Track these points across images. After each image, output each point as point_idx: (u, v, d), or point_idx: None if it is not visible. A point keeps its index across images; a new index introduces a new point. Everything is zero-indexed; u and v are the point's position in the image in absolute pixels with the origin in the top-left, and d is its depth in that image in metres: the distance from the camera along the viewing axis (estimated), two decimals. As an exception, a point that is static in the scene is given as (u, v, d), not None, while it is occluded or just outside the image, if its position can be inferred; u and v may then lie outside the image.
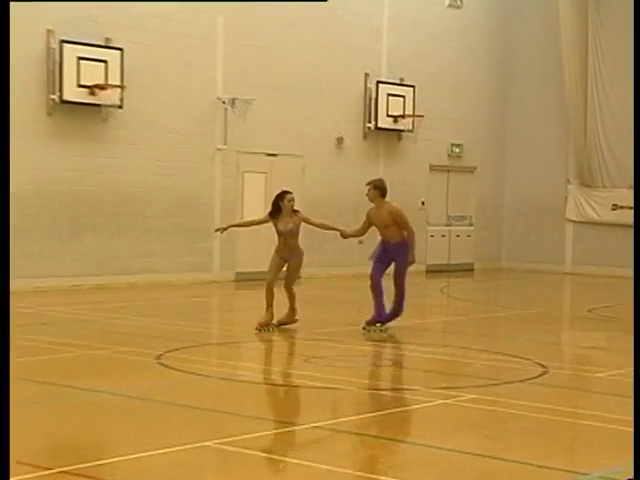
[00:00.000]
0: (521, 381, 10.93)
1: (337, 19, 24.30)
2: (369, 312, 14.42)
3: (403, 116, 25.39)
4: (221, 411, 9.20)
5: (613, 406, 9.68)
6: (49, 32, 19.65)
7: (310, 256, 23.95)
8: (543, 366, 11.76)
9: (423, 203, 26.61)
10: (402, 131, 25.68)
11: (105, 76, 20.01)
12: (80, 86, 19.81)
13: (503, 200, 28.65)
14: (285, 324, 14.31)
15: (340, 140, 24.73)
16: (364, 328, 14.15)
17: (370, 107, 25.06)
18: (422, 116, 25.56)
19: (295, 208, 14.86)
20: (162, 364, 11.49)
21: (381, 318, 14.17)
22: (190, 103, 21.92)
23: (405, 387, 10.50)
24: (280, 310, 14.36)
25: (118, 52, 20.24)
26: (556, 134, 27.54)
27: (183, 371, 11.10)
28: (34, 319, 15.72)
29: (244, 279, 22.55)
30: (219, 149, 22.46)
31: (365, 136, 25.25)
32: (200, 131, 22.16)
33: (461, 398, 9.83)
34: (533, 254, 27.88)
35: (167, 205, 21.72)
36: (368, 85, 24.99)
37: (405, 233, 14.38)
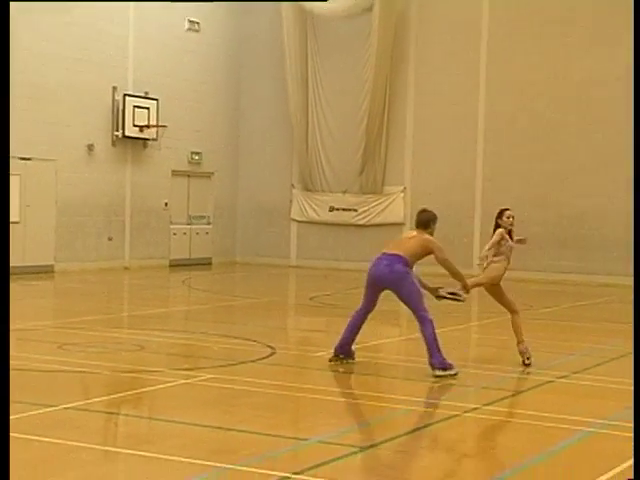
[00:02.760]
0: (253, 361, 11.09)
1: (87, 37, 23.83)
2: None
3: (148, 126, 25.20)
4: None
5: (331, 381, 10.01)
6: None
7: (61, 252, 23.53)
8: (271, 347, 11.99)
9: (166, 204, 26.53)
10: (147, 139, 25.50)
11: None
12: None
13: (237, 202, 28.92)
14: None
15: (91, 147, 24.28)
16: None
17: (118, 117, 24.73)
18: (165, 126, 25.48)
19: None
20: None
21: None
22: None
23: (150, 369, 10.46)
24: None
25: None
26: (282, 146, 28.05)
27: None
28: None
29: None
30: None
31: (114, 143, 24.88)
32: None
33: (201, 378, 9.90)
34: (263, 249, 28.27)
35: None
36: (116, 97, 24.65)
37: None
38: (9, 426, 4.97)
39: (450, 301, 10.71)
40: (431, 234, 10.39)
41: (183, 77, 26.63)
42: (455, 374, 10.09)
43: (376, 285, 10.35)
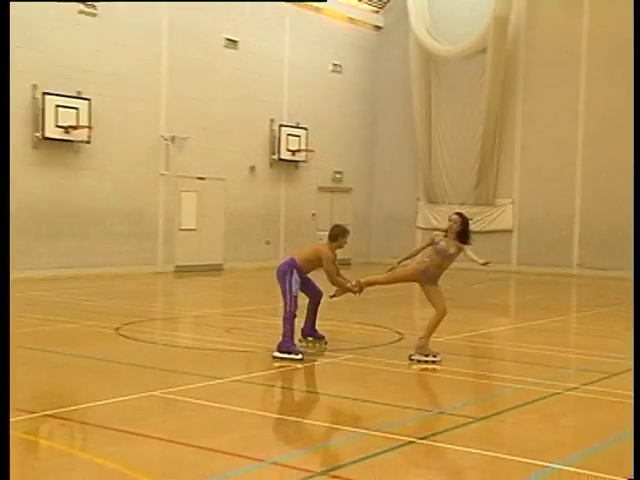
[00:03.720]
0: (385, 344, 11.05)
1: (251, 79, 24.27)
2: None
3: (299, 150, 25.47)
4: (165, 369, 9.13)
5: (451, 362, 9.87)
6: (33, 86, 19.24)
7: (229, 253, 24.02)
8: (400, 333, 11.92)
9: (314, 214, 26.75)
10: (298, 162, 25.76)
11: (77, 119, 19.67)
12: (58, 126, 19.44)
13: (371, 212, 28.92)
14: None
15: (253, 168, 24.70)
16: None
17: (274, 144, 25.08)
18: (313, 150, 25.70)
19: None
20: (120, 334, 11.36)
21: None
22: (141, 139, 21.67)
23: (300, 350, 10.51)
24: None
25: (87, 101, 19.91)
26: (409, 166, 27.92)
27: (136, 339, 10.97)
28: (23, 301, 15.36)
29: (182, 271, 22.40)
30: (162, 174, 22.24)
31: (271, 165, 25.24)
32: (148, 161, 21.92)
33: (341, 358, 9.91)
34: (393, 251, 27.97)
35: (123, 215, 21.43)
36: (273, 127, 25.01)
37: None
38: (9, 426, 4.82)
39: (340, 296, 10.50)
40: (340, 246, 10.35)
41: (328, 110, 26.82)
42: (301, 359, 9.53)
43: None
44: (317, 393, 8.06)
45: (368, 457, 5.91)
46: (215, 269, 23.40)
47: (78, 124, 19.67)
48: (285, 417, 7.15)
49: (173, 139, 22.05)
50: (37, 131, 19.32)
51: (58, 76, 19.68)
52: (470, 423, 7.00)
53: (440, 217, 27.31)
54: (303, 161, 25.84)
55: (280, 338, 9.82)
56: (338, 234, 10.37)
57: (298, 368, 9.44)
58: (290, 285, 9.99)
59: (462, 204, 26.73)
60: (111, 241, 21.13)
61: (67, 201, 20.09)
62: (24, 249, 19.23)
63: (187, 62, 22.61)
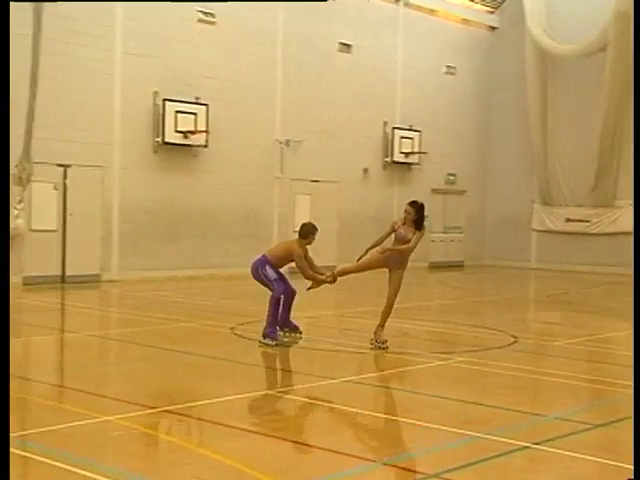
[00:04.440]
0: (498, 347, 10.87)
1: (365, 82, 24.32)
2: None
3: (412, 153, 25.35)
4: (279, 368, 9.24)
5: (567, 366, 9.63)
6: (155, 93, 19.84)
7: (341, 254, 24.12)
8: (514, 336, 11.70)
9: (426, 217, 26.48)
10: (411, 164, 25.65)
11: (195, 124, 20.17)
12: (177, 131, 19.98)
13: (485, 214, 28.49)
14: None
15: (366, 170, 24.75)
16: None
17: (387, 146, 25.05)
18: (426, 153, 25.54)
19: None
20: (235, 334, 11.56)
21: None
22: (256, 143, 22.03)
23: (412, 352, 10.48)
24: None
25: (204, 107, 20.39)
26: (524, 167, 27.37)
27: (251, 339, 11.15)
28: (143, 300, 15.84)
29: (296, 272, 22.60)
30: (277, 177, 22.54)
31: (384, 167, 25.22)
32: (263, 164, 22.26)
33: (453, 360, 9.81)
34: (507, 254, 27.69)
35: (240, 217, 21.83)
36: (386, 130, 24.99)
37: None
38: (9, 426, 4.78)
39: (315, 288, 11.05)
40: (309, 243, 10.76)
41: (441, 112, 26.59)
42: (275, 345, 10.25)
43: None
44: (429, 395, 7.99)
45: (481, 461, 5.82)
46: (328, 271, 23.47)
47: (196, 129, 20.16)
48: (397, 418, 7.13)
49: (288, 142, 22.32)
50: (157, 136, 19.91)
51: (178, 83, 20.23)
52: (588, 430, 6.80)
53: (556, 219, 26.70)
54: (416, 163, 25.70)
55: (265, 325, 10.54)
56: (308, 232, 10.78)
57: (410, 370, 9.39)
58: (266, 273, 10.62)
59: (579, 206, 26.08)
60: (227, 242, 21.56)
61: (185, 203, 20.61)
62: (144, 250, 19.86)
63: (301, 66, 22.85)
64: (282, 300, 10.95)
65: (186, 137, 20.14)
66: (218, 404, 7.37)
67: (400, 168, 25.59)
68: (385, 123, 24.97)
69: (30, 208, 17.94)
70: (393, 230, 10.50)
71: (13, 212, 17.44)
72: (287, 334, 11.05)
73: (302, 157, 22.62)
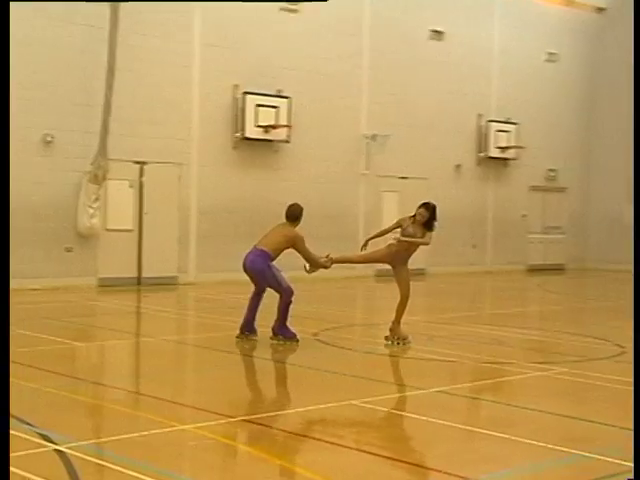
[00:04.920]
0: (603, 358, 10.63)
1: (458, 71, 24.12)
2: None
3: (509, 147, 25.05)
4: (364, 377, 9.23)
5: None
6: (235, 86, 20.07)
7: (433, 257, 23.98)
8: (621, 346, 11.42)
9: (524, 216, 26.19)
10: (508, 159, 25.34)
11: (276, 118, 20.33)
12: (257, 126, 20.18)
13: (589, 213, 27.92)
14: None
15: (458, 166, 24.55)
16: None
17: (482, 140, 24.80)
18: (524, 147, 25.20)
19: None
20: (318, 340, 11.60)
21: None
22: (341, 138, 22.09)
23: (507, 361, 10.33)
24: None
25: (287, 100, 20.54)
26: (629, 161, 26.67)
27: (334, 345, 11.16)
28: (222, 304, 16.04)
29: (383, 275, 22.57)
30: (363, 174, 22.55)
31: (478, 163, 24.97)
32: (348, 160, 22.30)
33: (554, 371, 9.63)
34: (613, 256, 27.06)
35: (323, 217, 21.90)
36: (480, 123, 24.74)
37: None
38: (9, 427, 4.84)
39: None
40: (296, 225, 10.89)
41: (541, 103, 26.17)
42: (297, 341, 10.63)
43: (247, 274, 10.89)
44: (526, 408, 7.86)
45: (584, 482, 5.69)
46: (417, 274, 23.36)
47: (277, 123, 20.33)
48: (491, 432, 7.03)
49: (374, 137, 22.31)
50: (237, 131, 20.15)
51: (258, 75, 20.44)
52: (703, 450, 6.57)
53: (668, 219, 25.99)
54: (513, 159, 25.36)
55: (276, 321, 10.87)
56: (299, 213, 10.94)
57: (506, 381, 9.26)
58: (276, 279, 10.74)
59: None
60: (310, 243, 21.55)
61: (266, 201, 20.73)
62: (223, 251, 20.06)
63: (389, 56, 22.80)
64: (253, 298, 11.12)
65: (267, 132, 20.33)
66: (300, 414, 7.40)
67: (495, 164, 25.28)
68: (479, 116, 24.72)
69: (105, 207, 18.39)
70: (399, 226, 10.94)
71: (88, 211, 17.92)
72: (246, 338, 10.98)
73: (389, 152, 22.58)
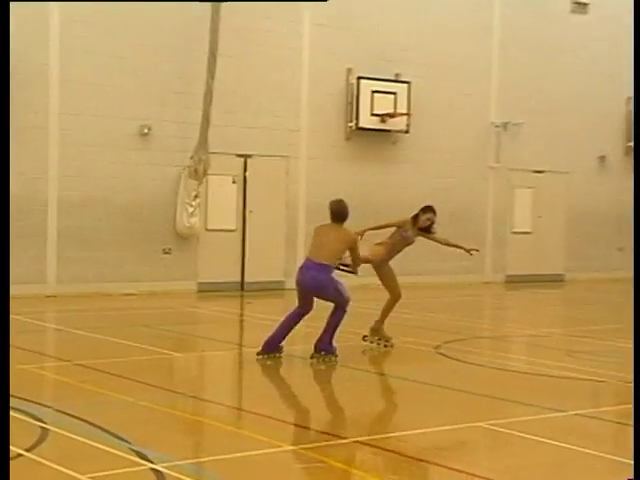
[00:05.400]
0: None
1: (601, 49, 23.60)
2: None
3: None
4: (493, 396, 9.12)
5: None
6: (348, 70, 20.14)
7: (571, 261, 23.52)
8: None
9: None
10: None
11: (394, 106, 20.30)
12: (373, 115, 20.19)
13: None
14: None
15: (603, 158, 24.03)
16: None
17: (631, 128, 24.15)
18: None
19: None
20: (441, 353, 11.52)
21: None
22: (467, 127, 21.89)
23: (662, 382, 10.01)
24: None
25: (406, 85, 20.48)
26: None
27: (459, 360, 11.07)
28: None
29: (514, 281, 22.28)
30: (492, 167, 22.29)
31: (626, 154, 24.36)
32: (475, 151, 22.08)
33: None
34: None
35: (446, 215, 21.70)
36: (629, 108, 24.11)
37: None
38: (9, 427, 4.88)
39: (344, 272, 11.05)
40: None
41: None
42: (336, 356, 10.58)
43: (305, 292, 10.62)
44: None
45: None
46: (554, 280, 23.00)
47: (396, 111, 20.30)
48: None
49: (505, 125, 22.03)
50: (350, 121, 20.20)
51: (374, 58, 20.44)
52: None
53: None
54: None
55: (321, 336, 10.74)
56: (347, 212, 10.79)
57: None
58: (338, 290, 10.60)
59: None
60: (431, 245, 21.47)
61: (382, 199, 20.70)
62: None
63: (524, 33, 22.47)
64: (292, 316, 10.89)
65: (384, 121, 20.32)
66: (420, 436, 7.35)
67: (646, 154, 24.62)
68: (628, 99, 24.11)
69: (206, 205, 18.69)
70: (399, 227, 11.87)
71: (188, 209, 18.27)
72: (268, 356, 10.74)
73: (523, 143, 22.27)
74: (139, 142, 18.10)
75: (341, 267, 11.11)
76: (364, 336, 11.90)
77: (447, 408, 8.49)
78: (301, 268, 10.89)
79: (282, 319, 10.94)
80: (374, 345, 11.79)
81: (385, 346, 11.75)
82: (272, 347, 10.78)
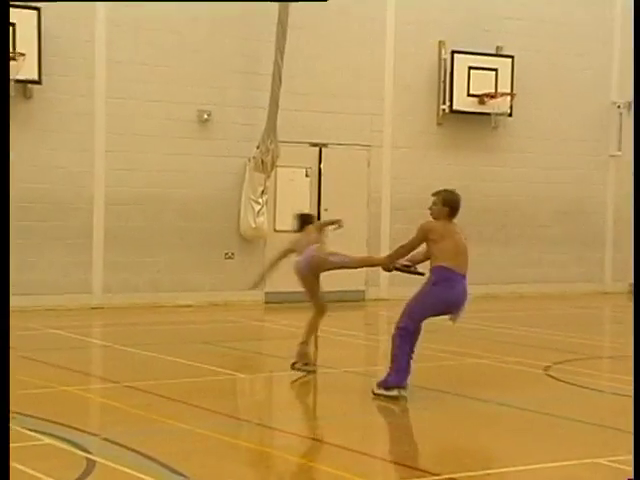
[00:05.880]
0: None
1: None
2: None
3: None
4: (614, 427, 8.99)
5: None
6: (441, 43, 20.05)
7: None
8: None
9: None
10: None
11: (495, 85, 20.16)
12: (470, 95, 20.08)
13: None
14: None
15: None
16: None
17: None
18: None
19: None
20: (550, 376, 11.41)
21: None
22: (582, 109, 21.63)
23: None
24: None
25: (509, 60, 20.33)
26: None
27: (573, 384, 10.94)
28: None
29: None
30: (613, 156, 21.98)
31: None
32: (592, 137, 21.80)
33: None
34: None
35: (556, 213, 21.52)
36: None
37: None
38: (9, 427, 5.09)
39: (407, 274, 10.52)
40: None
41: None
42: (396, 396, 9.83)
43: (449, 309, 9.92)
44: None
45: None
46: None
47: (497, 91, 20.15)
48: None
49: (629, 105, 21.71)
50: (443, 103, 20.12)
51: (471, 28, 20.32)
52: None
53: None
54: None
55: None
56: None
57: None
58: None
59: None
60: (539, 248, 21.32)
61: (480, 192, 20.54)
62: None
63: (648, -3, 22.16)
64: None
65: (483, 103, 20.20)
66: (525, 474, 7.30)
67: None
68: None
69: (274, 202, 18.75)
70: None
71: (254, 207, 18.33)
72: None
73: (648, 127, 21.95)
74: (197, 130, 18.23)
75: (403, 269, 10.62)
76: (292, 364, 11.24)
77: (558, 440, 8.39)
78: (459, 284, 10.01)
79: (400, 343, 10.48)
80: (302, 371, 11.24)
81: (313, 372, 11.28)
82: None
